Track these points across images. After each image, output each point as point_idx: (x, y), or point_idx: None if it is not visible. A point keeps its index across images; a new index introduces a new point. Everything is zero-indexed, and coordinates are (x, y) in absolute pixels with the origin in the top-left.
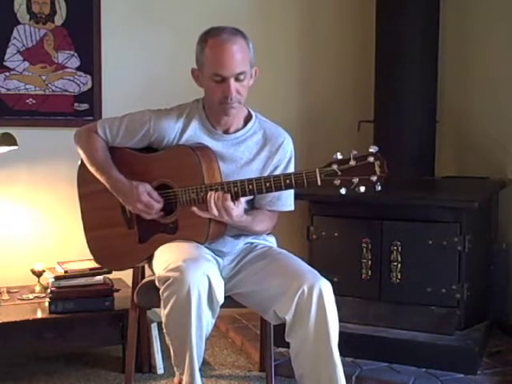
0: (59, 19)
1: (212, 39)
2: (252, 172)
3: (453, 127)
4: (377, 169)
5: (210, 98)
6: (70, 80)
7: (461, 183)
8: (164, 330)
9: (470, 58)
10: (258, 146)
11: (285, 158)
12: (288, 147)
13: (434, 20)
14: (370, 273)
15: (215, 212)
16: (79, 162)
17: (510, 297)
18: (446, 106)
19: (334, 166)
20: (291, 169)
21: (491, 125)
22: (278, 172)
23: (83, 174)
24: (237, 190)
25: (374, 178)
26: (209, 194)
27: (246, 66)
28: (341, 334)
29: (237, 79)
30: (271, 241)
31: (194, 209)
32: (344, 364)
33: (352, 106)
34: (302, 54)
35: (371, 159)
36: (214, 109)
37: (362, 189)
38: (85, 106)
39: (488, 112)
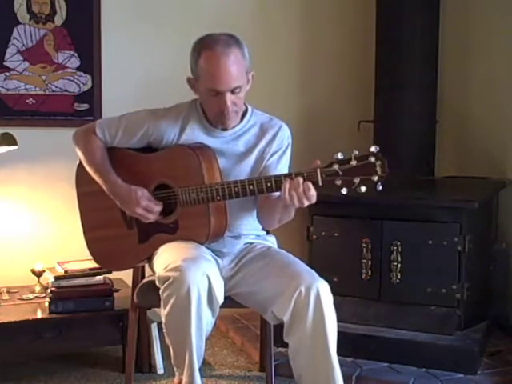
0: (59, 19)
1: (206, 52)
2: (251, 163)
3: (453, 127)
4: (378, 169)
5: (206, 109)
6: (70, 80)
7: (461, 183)
8: (164, 330)
9: (470, 58)
10: (255, 139)
11: (282, 144)
12: (284, 134)
13: (434, 20)
14: (370, 273)
15: (296, 201)
16: (78, 162)
17: (510, 297)
18: (446, 106)
19: (335, 166)
20: (287, 156)
21: (491, 125)
22: (274, 159)
23: (82, 174)
24: (237, 190)
25: (375, 178)
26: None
27: (242, 79)
28: (341, 334)
29: (233, 92)
30: (271, 240)
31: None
32: (344, 364)
33: (352, 106)
34: (302, 54)
35: (372, 159)
36: (211, 118)
37: (363, 189)
38: (85, 106)
39: (488, 112)
